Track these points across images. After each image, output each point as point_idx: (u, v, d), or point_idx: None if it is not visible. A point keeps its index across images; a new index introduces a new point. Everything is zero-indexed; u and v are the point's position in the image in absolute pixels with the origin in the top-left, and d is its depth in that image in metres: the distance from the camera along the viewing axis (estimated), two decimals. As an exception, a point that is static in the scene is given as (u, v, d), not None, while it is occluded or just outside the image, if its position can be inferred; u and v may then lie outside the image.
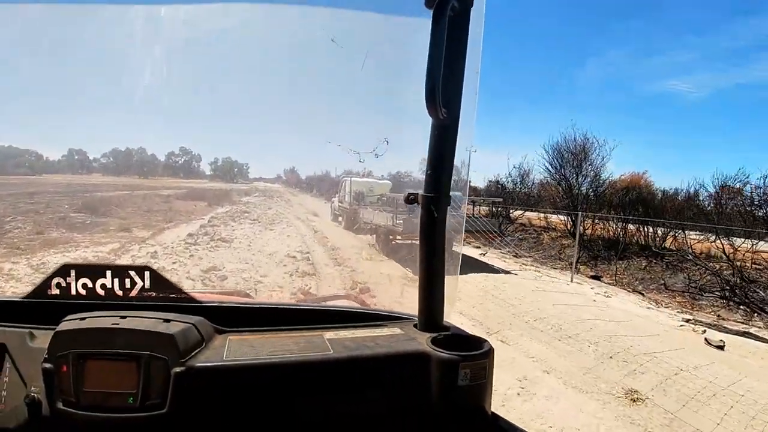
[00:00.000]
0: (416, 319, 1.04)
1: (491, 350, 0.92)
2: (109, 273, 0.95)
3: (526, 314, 6.62)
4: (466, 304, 6.85)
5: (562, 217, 14.66)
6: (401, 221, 9.64)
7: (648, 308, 8.57)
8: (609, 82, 51.58)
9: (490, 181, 20.59)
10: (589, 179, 13.94)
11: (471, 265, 10.87)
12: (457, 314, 6.32)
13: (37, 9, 1.51)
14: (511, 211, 17.39)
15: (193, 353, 0.81)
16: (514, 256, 13.06)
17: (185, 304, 0.98)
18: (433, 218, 0.91)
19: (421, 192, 0.92)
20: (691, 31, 48.52)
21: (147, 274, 0.96)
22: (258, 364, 0.82)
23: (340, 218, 15.43)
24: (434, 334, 0.96)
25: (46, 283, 0.94)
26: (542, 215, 16.20)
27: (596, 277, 11.22)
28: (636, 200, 12.40)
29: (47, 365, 0.77)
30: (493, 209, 17.38)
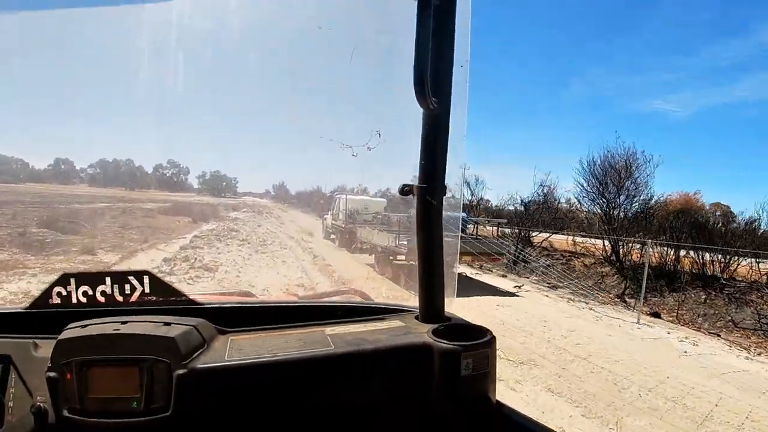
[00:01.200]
0: (417, 310, 1.02)
1: (493, 339, 0.89)
2: (108, 279, 0.93)
3: (630, 383, 4.72)
4: (547, 371, 4.89)
5: (597, 242, 12.88)
6: (405, 242, 8.84)
7: (747, 359, 6.76)
8: (593, 101, 51.55)
9: (480, 199, 19.19)
10: (631, 199, 12.24)
11: (511, 297, 8.99)
12: (545, 391, 4.37)
13: (35, 17, 1.48)
14: (532, 233, 15.57)
15: (194, 355, 0.80)
16: (550, 287, 11.18)
17: (186, 306, 0.95)
18: (430, 209, 0.89)
19: (415, 183, 0.89)
20: (675, 51, 48.99)
21: (146, 278, 0.94)
22: (259, 362, 0.80)
23: (333, 236, 14.81)
24: (435, 325, 0.94)
25: (47, 293, 0.92)
26: (570, 239, 14.41)
27: (656, 315, 9.43)
28: (692, 224, 10.66)
29: (51, 374, 0.75)
30: (504, 230, 15.68)
